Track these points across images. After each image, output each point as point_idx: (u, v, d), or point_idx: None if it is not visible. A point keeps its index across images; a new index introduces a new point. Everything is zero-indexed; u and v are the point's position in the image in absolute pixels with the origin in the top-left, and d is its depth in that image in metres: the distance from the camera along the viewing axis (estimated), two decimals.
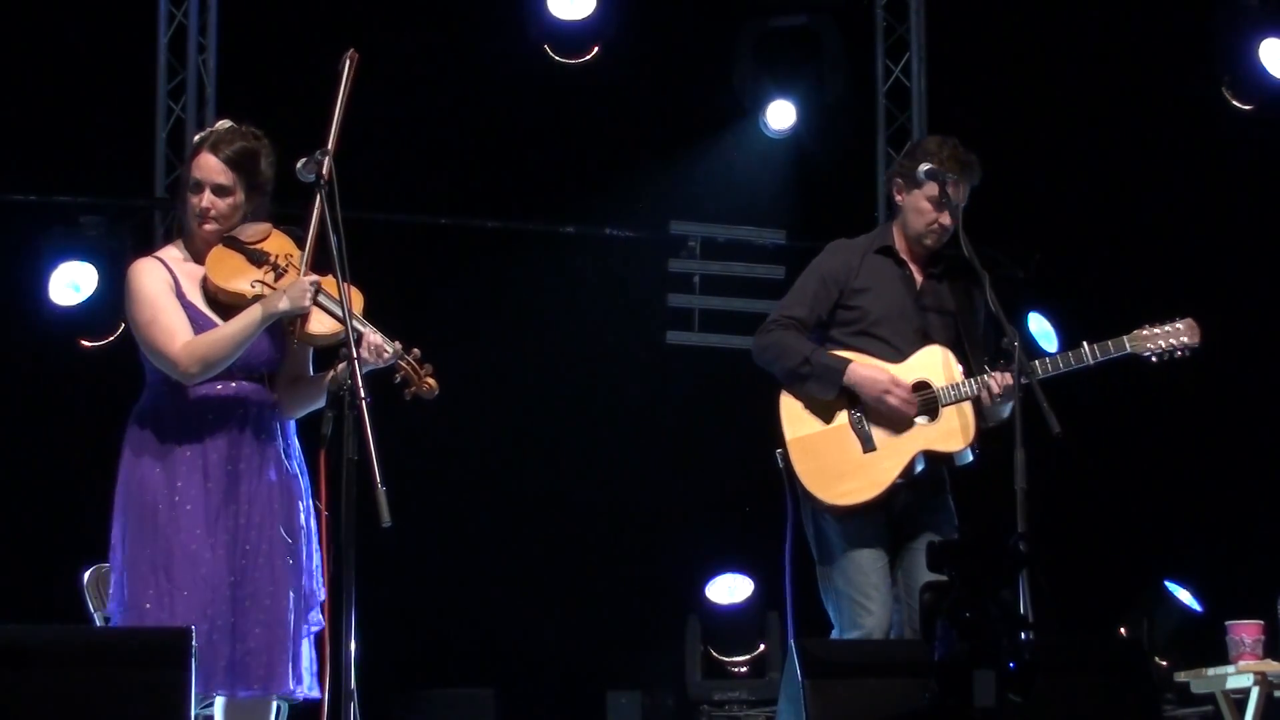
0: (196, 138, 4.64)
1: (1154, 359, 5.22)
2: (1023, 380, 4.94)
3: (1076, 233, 8.45)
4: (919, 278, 5.33)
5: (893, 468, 5.11)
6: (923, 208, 5.27)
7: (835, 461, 5.12)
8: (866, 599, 5.08)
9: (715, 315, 8.82)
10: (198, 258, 4.55)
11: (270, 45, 8.16)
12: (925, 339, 5.24)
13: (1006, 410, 5.12)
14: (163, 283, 4.48)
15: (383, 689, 7.20)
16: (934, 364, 5.20)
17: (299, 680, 4.40)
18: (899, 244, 5.36)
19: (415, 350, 4.46)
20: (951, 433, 5.15)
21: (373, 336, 4.38)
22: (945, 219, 5.25)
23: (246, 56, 8.22)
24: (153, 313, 4.43)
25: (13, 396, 7.63)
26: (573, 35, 8.16)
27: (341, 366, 4.22)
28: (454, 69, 8.24)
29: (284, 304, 4.38)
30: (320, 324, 4.43)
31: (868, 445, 5.13)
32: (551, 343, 8.50)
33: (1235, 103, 8.14)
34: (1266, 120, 8.06)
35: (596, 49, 8.16)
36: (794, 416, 5.18)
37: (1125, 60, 8.31)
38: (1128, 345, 5.21)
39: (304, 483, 4.56)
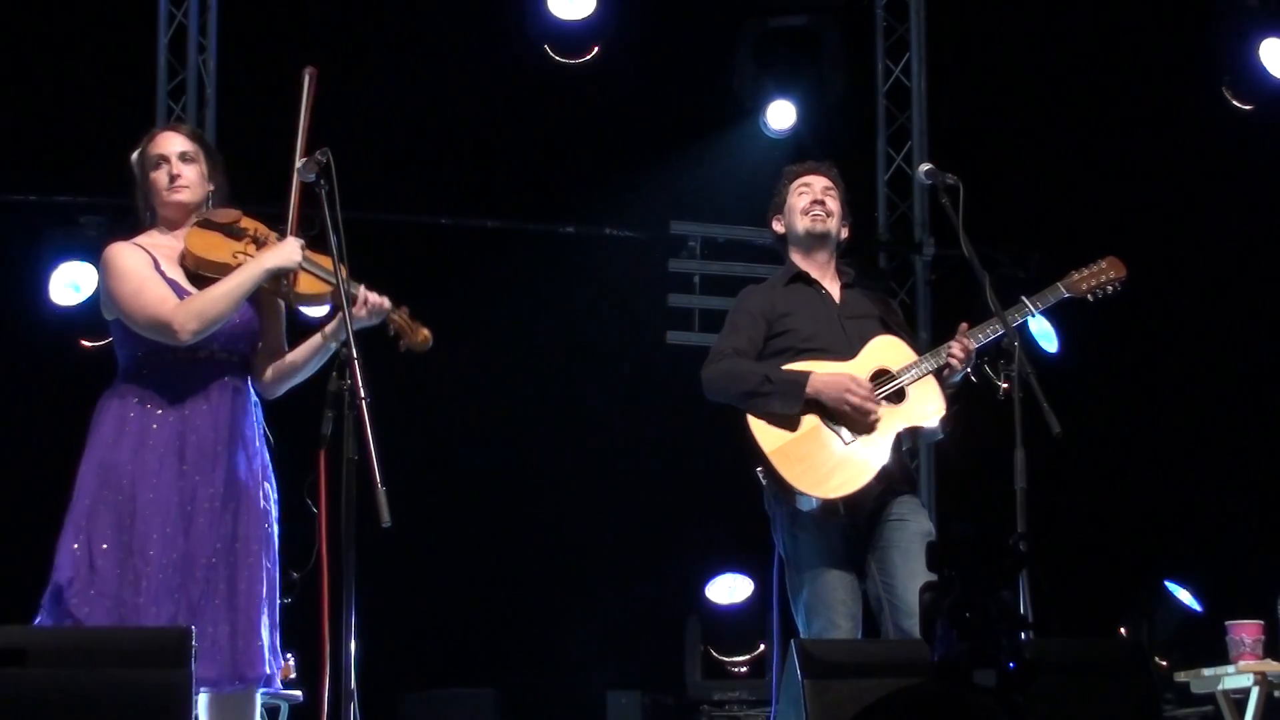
0: (146, 137, 4.65)
1: (1090, 298, 5.39)
2: (1020, 377, 4.95)
3: (1077, 233, 8.44)
4: (835, 294, 5.43)
5: (878, 452, 5.13)
6: (795, 203, 5.46)
7: (821, 460, 5.12)
8: (834, 613, 5.09)
9: (715, 315, 8.80)
10: (171, 242, 4.57)
11: (270, 45, 8.15)
12: (861, 342, 5.30)
13: (959, 377, 5.22)
14: (142, 259, 4.50)
15: (383, 689, 7.21)
16: (886, 351, 5.27)
17: (266, 665, 4.38)
18: (804, 268, 5.46)
19: (404, 307, 4.53)
20: (923, 406, 5.20)
21: (368, 294, 4.45)
22: (814, 194, 5.43)
23: (246, 56, 8.22)
24: (138, 283, 4.44)
25: (13, 396, 7.63)
26: (573, 35, 8.16)
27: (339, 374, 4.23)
28: (454, 69, 8.24)
29: (273, 260, 4.44)
30: (311, 284, 4.48)
31: (846, 438, 5.15)
32: (551, 343, 8.51)
33: (1235, 103, 8.14)
34: (1266, 120, 8.06)
35: (596, 49, 8.16)
36: (765, 430, 5.18)
37: (1125, 60, 8.31)
38: (1063, 290, 5.36)
39: (269, 467, 4.57)
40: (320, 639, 4.43)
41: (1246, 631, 6.29)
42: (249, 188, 4.82)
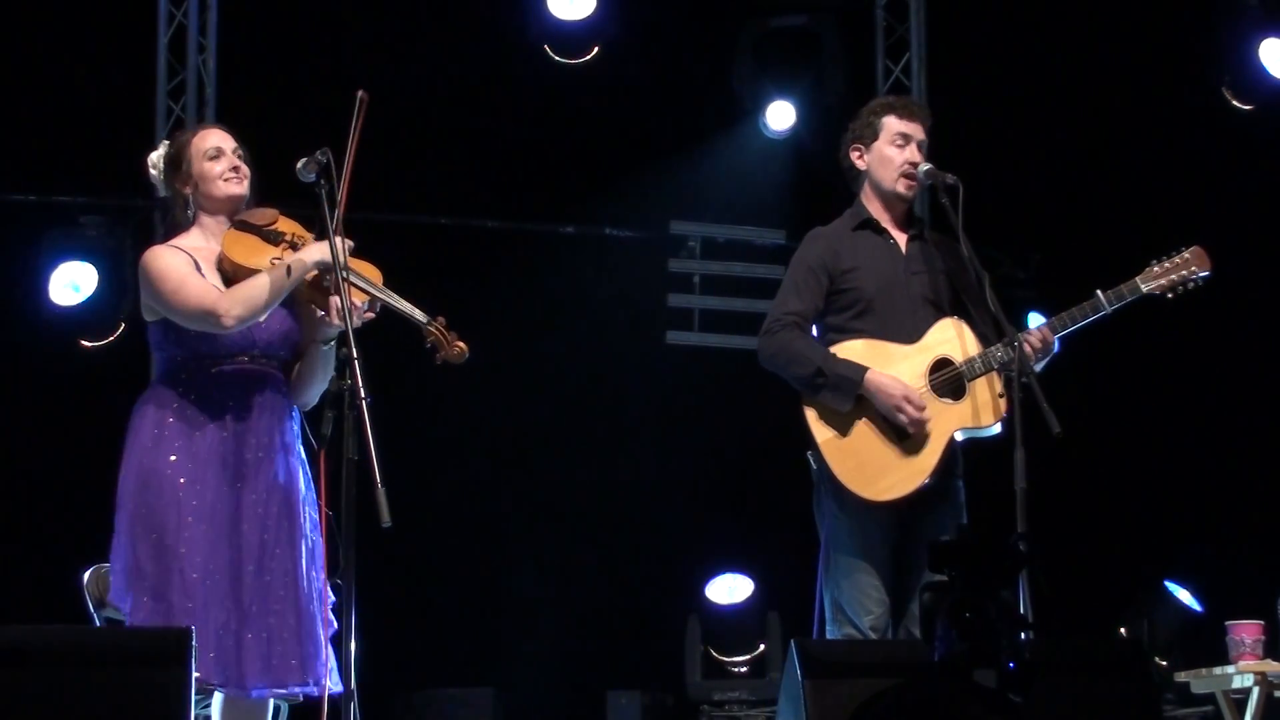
0: (182, 135, 4.69)
1: (1169, 295, 5.20)
2: (1023, 379, 4.92)
3: (1076, 233, 8.45)
4: (903, 243, 5.29)
5: (930, 454, 5.05)
6: (888, 154, 5.25)
7: (873, 458, 5.04)
8: (866, 598, 5.06)
9: (715, 315, 8.82)
10: (209, 245, 4.55)
11: (270, 45, 8.16)
12: (925, 305, 5.18)
13: (1040, 365, 5.06)
14: (182, 259, 4.47)
15: (383, 689, 7.21)
16: (951, 338, 5.14)
17: (319, 675, 4.35)
18: (875, 212, 5.31)
19: (441, 318, 4.47)
20: (982, 407, 5.08)
21: (400, 304, 4.43)
22: (913, 155, 5.23)
23: (246, 56, 8.22)
24: (179, 279, 4.41)
25: (13, 396, 7.63)
26: (573, 35, 8.16)
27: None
28: (454, 69, 8.24)
29: (316, 254, 4.38)
30: (353, 293, 4.42)
31: (902, 434, 5.05)
32: (551, 343, 8.51)
33: (1235, 103, 8.14)
34: (1266, 120, 8.06)
35: (596, 49, 8.16)
36: (819, 420, 5.09)
37: (1125, 60, 8.31)
38: (1141, 287, 5.18)
39: (308, 475, 4.57)
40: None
41: (1246, 631, 6.28)
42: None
